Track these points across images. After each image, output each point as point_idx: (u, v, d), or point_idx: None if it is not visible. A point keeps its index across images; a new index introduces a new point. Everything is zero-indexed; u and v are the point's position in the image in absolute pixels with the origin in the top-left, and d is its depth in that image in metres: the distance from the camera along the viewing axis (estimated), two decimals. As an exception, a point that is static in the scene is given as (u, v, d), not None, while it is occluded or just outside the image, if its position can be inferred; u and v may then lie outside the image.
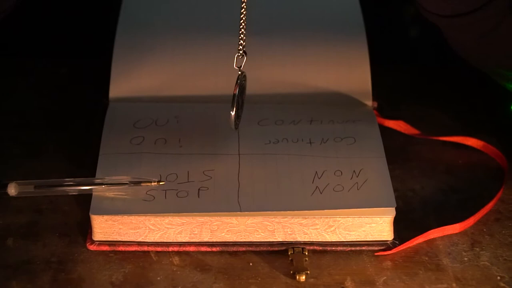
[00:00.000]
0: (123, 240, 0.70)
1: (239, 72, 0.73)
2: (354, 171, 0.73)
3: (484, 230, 0.73)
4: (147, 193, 0.71)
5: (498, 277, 0.68)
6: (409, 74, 0.91)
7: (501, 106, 0.85)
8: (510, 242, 0.72)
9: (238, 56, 0.72)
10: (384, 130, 0.80)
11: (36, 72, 0.90)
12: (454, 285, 0.68)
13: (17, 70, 0.91)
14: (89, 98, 0.85)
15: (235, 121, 0.73)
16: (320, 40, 0.83)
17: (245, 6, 0.71)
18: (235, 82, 0.72)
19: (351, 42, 0.83)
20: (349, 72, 0.82)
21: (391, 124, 0.82)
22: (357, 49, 0.82)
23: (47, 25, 0.97)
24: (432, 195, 0.76)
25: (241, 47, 0.72)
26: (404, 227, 0.72)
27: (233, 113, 0.72)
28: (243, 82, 0.74)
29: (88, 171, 0.74)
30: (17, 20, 0.87)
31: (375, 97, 0.81)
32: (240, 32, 0.71)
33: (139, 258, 0.70)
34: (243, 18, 0.71)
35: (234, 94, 0.72)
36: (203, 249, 0.70)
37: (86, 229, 0.71)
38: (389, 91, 0.86)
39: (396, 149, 0.79)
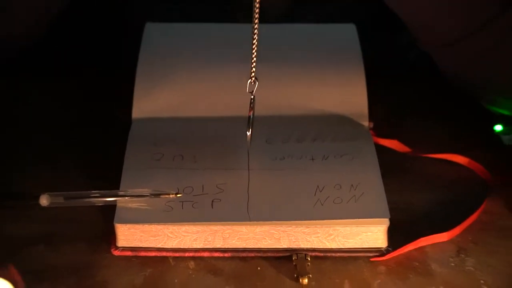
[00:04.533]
0: (144, 246, 0.72)
1: (252, 97, 0.73)
2: (352, 185, 0.74)
3: (470, 238, 0.74)
4: (166, 204, 0.73)
5: (482, 281, 0.70)
6: (403, 91, 0.91)
7: (487, 126, 0.86)
8: (492, 249, 0.73)
9: (251, 82, 0.72)
10: (380, 147, 0.81)
11: (54, 86, 0.91)
12: (441, 288, 0.70)
13: (35, 82, 0.91)
14: (107, 113, 0.86)
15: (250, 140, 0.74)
16: (321, 68, 0.84)
17: (256, 37, 0.70)
18: (249, 105, 0.73)
19: (350, 71, 0.83)
20: (348, 97, 0.83)
21: (386, 143, 0.83)
22: (355, 76, 0.83)
23: (72, 42, 0.96)
24: (423, 206, 0.77)
25: (253, 74, 0.72)
26: (397, 235, 0.73)
27: (249, 133, 0.73)
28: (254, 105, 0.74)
29: (103, 182, 0.75)
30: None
31: (371, 118, 0.82)
32: (252, 61, 0.71)
33: (158, 263, 0.71)
34: (255, 49, 0.70)
35: (249, 116, 0.73)
36: (216, 254, 0.72)
37: (108, 236, 0.72)
38: (386, 109, 0.87)
39: (391, 164, 0.79)
